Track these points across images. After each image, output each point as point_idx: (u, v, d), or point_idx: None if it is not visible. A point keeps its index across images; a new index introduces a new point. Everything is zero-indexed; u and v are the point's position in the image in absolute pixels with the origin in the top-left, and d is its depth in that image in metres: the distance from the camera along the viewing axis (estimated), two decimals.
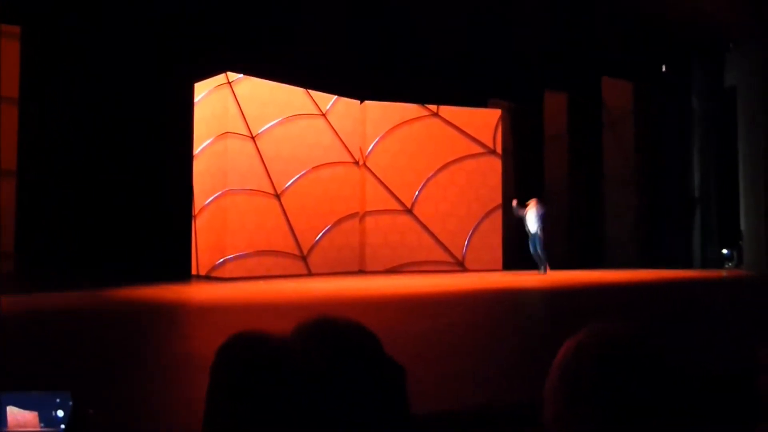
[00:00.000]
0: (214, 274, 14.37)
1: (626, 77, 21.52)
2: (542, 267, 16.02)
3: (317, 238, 16.14)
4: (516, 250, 19.31)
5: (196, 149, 15.29)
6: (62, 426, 1.27)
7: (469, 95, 18.74)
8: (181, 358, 5.40)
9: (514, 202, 16.53)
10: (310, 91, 16.11)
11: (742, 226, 18.97)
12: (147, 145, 15.41)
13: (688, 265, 19.43)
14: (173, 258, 15.07)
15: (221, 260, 14.31)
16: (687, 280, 15.02)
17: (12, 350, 5.51)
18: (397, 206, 17.51)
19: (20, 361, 4.88)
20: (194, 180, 15.26)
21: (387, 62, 17.55)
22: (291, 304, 9.68)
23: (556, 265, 16.74)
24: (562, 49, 19.32)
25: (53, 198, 15.03)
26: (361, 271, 16.87)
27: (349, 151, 17.07)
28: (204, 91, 15.20)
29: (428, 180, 17.74)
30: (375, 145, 17.47)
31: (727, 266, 19.60)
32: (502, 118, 19.00)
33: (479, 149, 18.25)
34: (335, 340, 0.81)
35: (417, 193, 17.64)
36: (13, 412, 1.27)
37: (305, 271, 15.73)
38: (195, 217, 15.26)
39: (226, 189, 14.40)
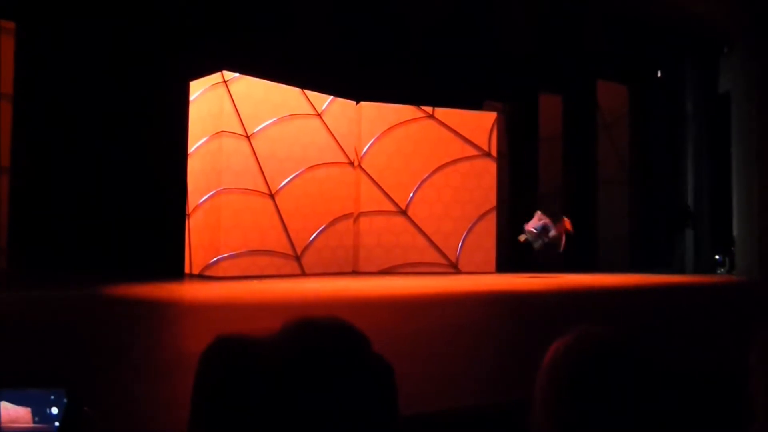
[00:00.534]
0: (207, 273, 14.34)
1: (621, 80, 21.60)
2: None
3: (311, 238, 16.13)
4: (509, 253, 19.34)
5: (191, 148, 15.26)
6: (56, 423, 1.28)
7: (465, 97, 18.76)
8: (174, 356, 5.40)
9: (522, 238, 16.58)
10: (305, 91, 16.10)
11: (735, 232, 19.04)
12: (141, 143, 15.34)
13: (680, 270, 19.49)
14: (166, 256, 15.02)
15: (215, 259, 14.29)
16: (678, 285, 15.07)
17: (5, 347, 5.50)
18: (391, 207, 17.52)
19: (13, 359, 4.87)
20: (188, 178, 15.22)
21: (383, 63, 17.55)
22: (283, 304, 9.68)
23: (548, 268, 16.75)
24: (557, 51, 19.36)
25: (46, 195, 14.96)
26: (355, 272, 16.87)
27: (344, 152, 17.07)
28: (199, 89, 15.17)
29: (423, 181, 17.76)
30: (370, 146, 17.47)
31: (719, 272, 19.68)
32: (497, 120, 19.04)
33: (474, 151, 18.27)
34: (319, 340, 0.81)
35: (411, 194, 17.65)
36: (7, 408, 1.27)
37: (299, 271, 15.72)
38: (189, 215, 15.22)
39: (221, 188, 14.38)
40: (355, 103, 17.45)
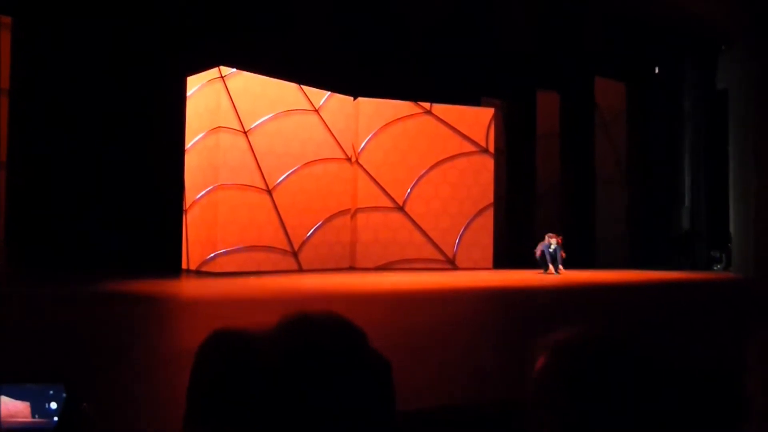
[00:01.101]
0: (204, 269, 14.33)
1: (619, 78, 21.60)
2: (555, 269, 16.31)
3: (308, 234, 16.13)
4: (506, 249, 19.38)
5: (188, 143, 15.24)
6: (55, 418, 1.28)
7: (462, 93, 18.75)
8: (171, 351, 5.40)
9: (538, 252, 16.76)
10: (303, 86, 16.08)
11: (731, 229, 19.08)
12: (138, 139, 15.31)
13: (677, 267, 19.53)
14: (164, 252, 15.00)
15: (212, 255, 14.28)
16: (675, 282, 15.10)
17: (3, 343, 5.49)
18: (388, 203, 17.52)
19: (12, 354, 4.86)
20: (186, 174, 15.21)
21: (381, 59, 17.53)
22: (280, 300, 9.67)
23: (546, 265, 16.76)
24: (555, 48, 19.35)
25: (44, 191, 14.92)
26: (352, 268, 16.87)
27: (341, 148, 17.06)
28: (196, 85, 15.15)
29: (420, 178, 17.76)
30: (368, 142, 17.46)
31: (715, 268, 19.72)
32: (495, 116, 19.04)
33: (472, 147, 18.28)
34: (316, 336, 0.81)
35: (409, 190, 17.66)
36: (6, 403, 1.28)
37: (296, 267, 15.71)
38: (186, 211, 15.21)
39: (218, 184, 14.37)
40: (352, 98, 17.43)
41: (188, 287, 12.22)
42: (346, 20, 16.80)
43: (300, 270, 15.67)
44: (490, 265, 18.14)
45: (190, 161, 15.19)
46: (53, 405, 1.28)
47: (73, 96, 14.98)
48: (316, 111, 16.45)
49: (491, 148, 18.59)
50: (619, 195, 21.45)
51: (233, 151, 14.65)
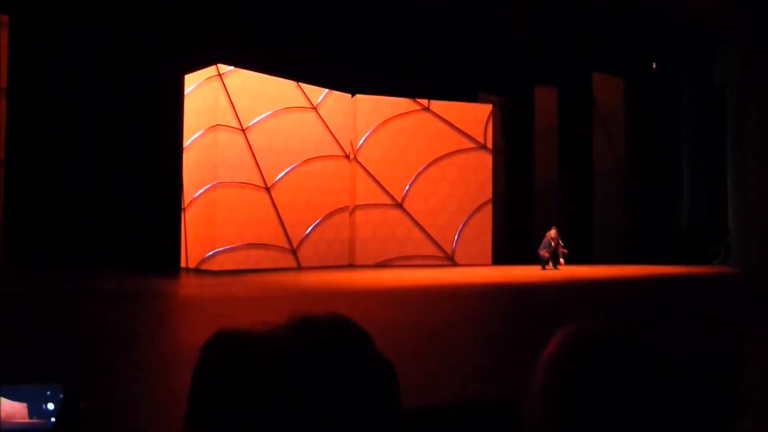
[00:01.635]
0: (203, 267, 14.33)
1: (617, 73, 21.58)
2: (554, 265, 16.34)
3: (307, 231, 16.12)
4: (505, 245, 19.38)
5: (186, 141, 15.22)
6: (52, 419, 1.28)
7: (460, 90, 18.74)
8: (170, 351, 5.39)
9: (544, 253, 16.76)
10: (301, 84, 16.07)
11: (730, 223, 19.09)
12: (136, 137, 15.28)
13: (675, 262, 19.54)
14: (162, 250, 14.98)
15: (211, 253, 14.27)
16: (673, 276, 15.11)
17: (1, 342, 5.49)
18: (387, 200, 17.51)
19: (10, 354, 4.86)
20: (184, 172, 15.18)
21: (378, 56, 17.51)
22: (280, 298, 9.68)
23: (545, 262, 16.77)
24: (552, 44, 19.34)
25: (42, 189, 14.91)
26: (351, 265, 16.87)
27: (339, 145, 17.05)
28: (194, 83, 15.13)
29: (419, 174, 17.75)
30: (366, 139, 17.45)
31: (714, 262, 19.73)
32: (493, 112, 19.03)
33: (470, 144, 18.27)
34: (321, 337, 0.81)
35: (407, 187, 17.65)
36: (3, 404, 1.27)
37: (295, 265, 15.71)
38: (184, 209, 15.20)
39: (216, 181, 14.35)
40: (350, 95, 17.42)
41: (187, 285, 12.21)
42: (344, 17, 16.78)
43: (299, 267, 15.67)
44: (489, 261, 18.15)
45: (188, 159, 15.17)
46: (50, 406, 1.28)
47: (71, 95, 14.96)
48: (314, 108, 16.43)
49: (489, 145, 18.59)
50: (617, 191, 21.46)
51: (231, 148, 14.64)
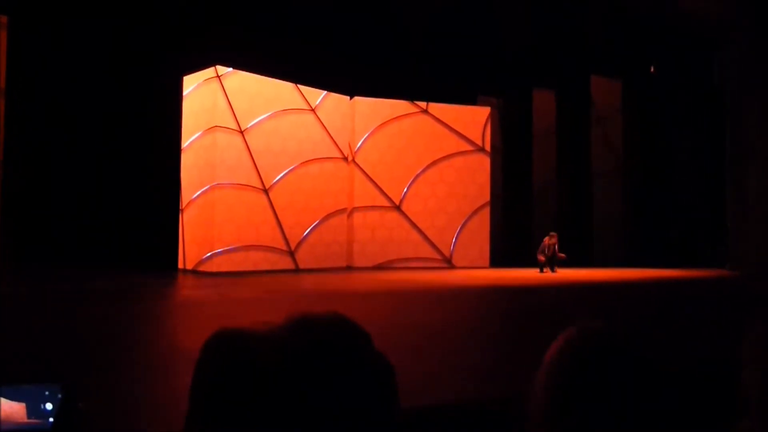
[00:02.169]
0: (201, 268, 14.31)
1: (615, 75, 21.60)
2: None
3: (305, 233, 16.12)
4: (503, 248, 19.38)
5: (185, 143, 15.21)
6: (51, 419, 1.27)
7: (459, 92, 18.76)
8: (169, 351, 5.39)
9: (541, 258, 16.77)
10: (299, 86, 16.07)
11: (728, 225, 19.09)
12: (135, 138, 15.27)
13: (674, 264, 19.53)
14: (160, 251, 14.97)
15: (208, 254, 14.26)
16: (672, 278, 15.11)
17: (1, 342, 5.48)
18: (385, 202, 17.51)
19: (8, 353, 4.85)
20: (182, 173, 15.17)
21: (377, 58, 17.52)
22: (279, 300, 9.67)
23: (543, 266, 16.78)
24: (551, 46, 19.36)
25: (41, 189, 14.90)
26: (349, 267, 16.87)
27: (338, 147, 17.05)
28: (193, 84, 15.12)
29: (417, 177, 17.76)
30: (364, 141, 17.46)
31: (713, 264, 19.72)
32: (491, 115, 19.05)
33: (468, 146, 18.28)
34: (319, 337, 0.81)
35: (405, 189, 17.65)
36: (2, 403, 1.27)
37: (293, 266, 15.71)
38: (182, 210, 15.19)
39: (214, 183, 14.34)
40: (348, 98, 17.42)
41: (185, 286, 12.19)
42: (343, 19, 16.79)
43: (297, 269, 15.66)
44: (487, 263, 18.15)
45: (186, 160, 15.16)
46: (49, 406, 1.28)
47: (70, 95, 14.96)
48: (313, 110, 16.43)
49: (488, 147, 18.60)
50: (615, 193, 21.46)
51: (230, 150, 14.63)
